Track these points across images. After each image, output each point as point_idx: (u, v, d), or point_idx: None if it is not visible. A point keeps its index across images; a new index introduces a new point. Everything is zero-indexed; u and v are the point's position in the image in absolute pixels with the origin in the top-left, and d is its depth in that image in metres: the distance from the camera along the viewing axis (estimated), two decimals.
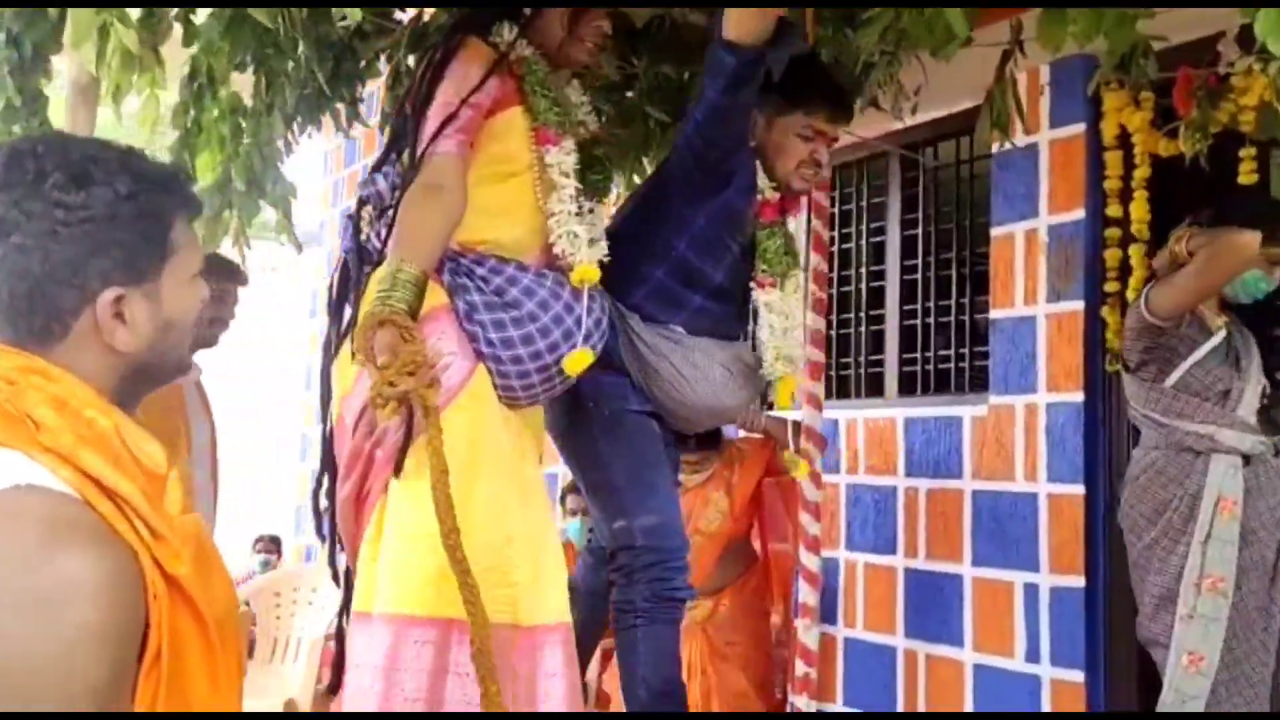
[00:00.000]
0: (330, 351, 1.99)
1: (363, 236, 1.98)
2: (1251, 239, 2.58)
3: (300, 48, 2.49)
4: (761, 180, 2.27)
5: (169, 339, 1.15)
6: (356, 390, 1.81)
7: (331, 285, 2.07)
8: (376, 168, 2.05)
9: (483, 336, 1.88)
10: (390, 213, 1.93)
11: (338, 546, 1.99)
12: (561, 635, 1.86)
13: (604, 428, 2.17)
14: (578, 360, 1.91)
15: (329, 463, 1.94)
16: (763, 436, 3.39)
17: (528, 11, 2.01)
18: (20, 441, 0.98)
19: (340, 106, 2.76)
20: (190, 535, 1.07)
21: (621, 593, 2.15)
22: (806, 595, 3.22)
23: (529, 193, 1.98)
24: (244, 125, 2.64)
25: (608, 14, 2.11)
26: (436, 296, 1.87)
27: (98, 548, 0.95)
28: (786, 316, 2.31)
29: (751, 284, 2.29)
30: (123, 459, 1.03)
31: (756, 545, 3.45)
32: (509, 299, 1.90)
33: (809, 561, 3.22)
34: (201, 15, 2.29)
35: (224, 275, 2.95)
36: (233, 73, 2.56)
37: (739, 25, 1.88)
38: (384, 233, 1.94)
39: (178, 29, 2.32)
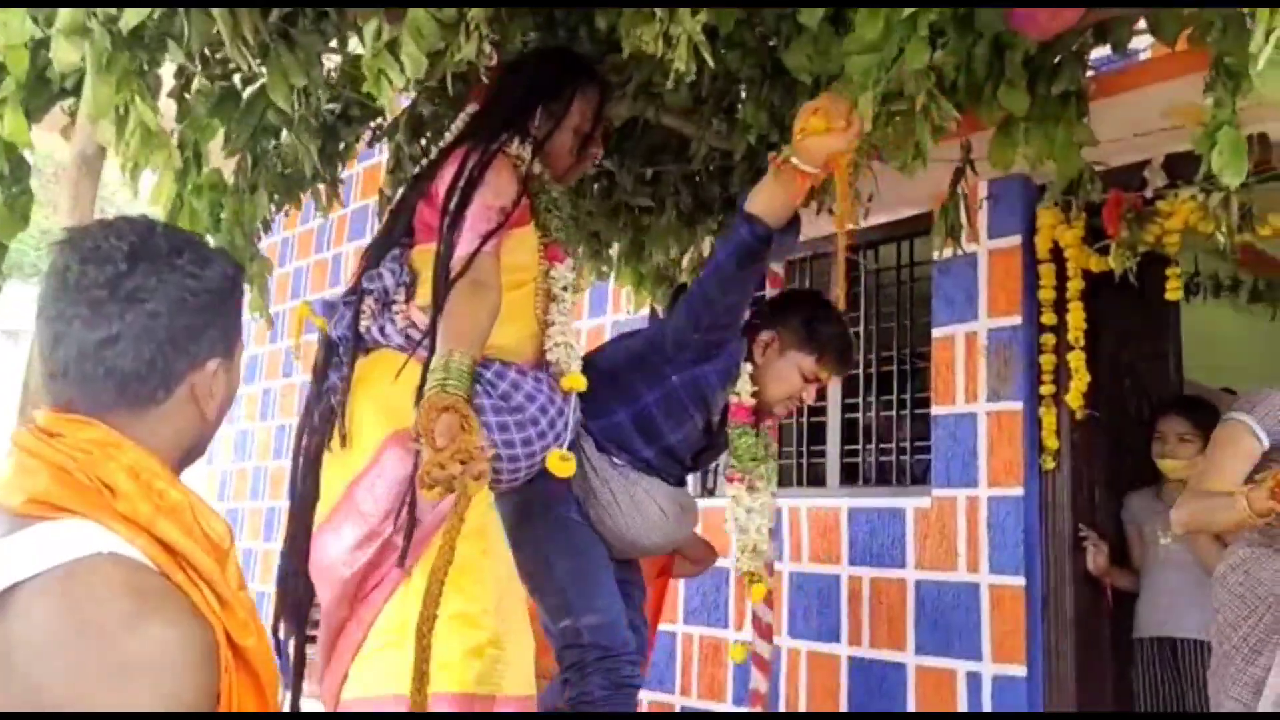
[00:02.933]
0: (310, 434, 2.02)
1: (362, 326, 2.02)
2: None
3: (291, 126, 2.53)
4: (744, 384, 2.39)
5: (225, 414, 1.20)
6: (378, 473, 1.83)
7: (315, 368, 2.09)
8: (374, 260, 2.09)
9: (486, 437, 1.92)
10: (395, 306, 2.00)
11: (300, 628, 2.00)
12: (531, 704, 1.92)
13: (549, 530, 2.25)
14: (564, 466, 1.99)
15: (300, 533, 1.96)
16: None
17: (536, 126, 2.15)
18: (96, 510, 1.00)
19: (321, 187, 2.79)
20: (251, 609, 1.09)
21: (576, 689, 2.18)
22: (758, 682, 3.25)
23: (531, 301, 2.10)
24: (224, 202, 2.65)
25: (601, 144, 2.32)
26: None
27: (181, 619, 0.97)
28: (750, 512, 2.41)
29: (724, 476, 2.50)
30: (194, 531, 1.06)
31: None
32: (514, 404, 1.97)
33: (762, 649, 3.26)
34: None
35: None
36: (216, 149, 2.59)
37: (764, 204, 2.08)
38: (386, 326, 1.99)
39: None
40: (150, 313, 1.06)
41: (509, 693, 1.83)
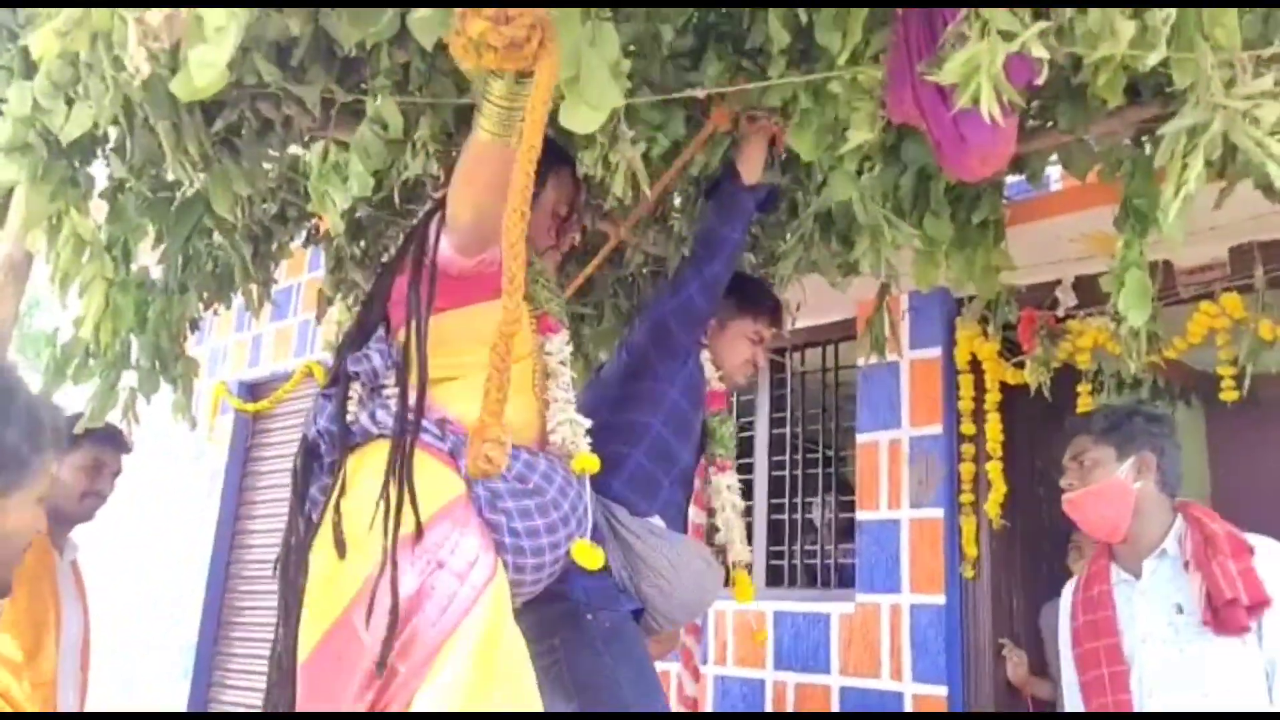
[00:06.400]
0: (295, 543, 1.77)
1: (350, 416, 1.80)
2: None
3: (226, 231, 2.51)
4: (710, 371, 2.43)
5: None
6: (382, 589, 1.58)
7: (295, 470, 1.85)
8: (356, 344, 1.88)
9: (506, 526, 1.73)
10: (386, 390, 1.80)
11: None
12: None
13: (607, 640, 2.03)
14: (593, 557, 1.81)
15: (289, 653, 1.67)
16: None
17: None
18: None
19: (253, 287, 2.75)
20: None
21: None
22: None
23: (529, 378, 1.92)
24: (151, 301, 2.60)
25: (578, 229, 2.22)
26: (453, 486, 1.71)
27: None
28: (734, 507, 2.40)
29: (711, 468, 2.40)
30: None
31: None
32: (532, 485, 1.78)
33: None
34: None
35: (104, 443, 2.82)
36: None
37: (755, 170, 2.16)
38: (378, 412, 1.76)
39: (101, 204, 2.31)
40: None
41: None
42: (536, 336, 1.95)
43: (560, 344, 1.96)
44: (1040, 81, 1.51)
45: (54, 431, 1.23)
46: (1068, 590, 2.45)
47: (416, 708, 1.52)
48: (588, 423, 1.91)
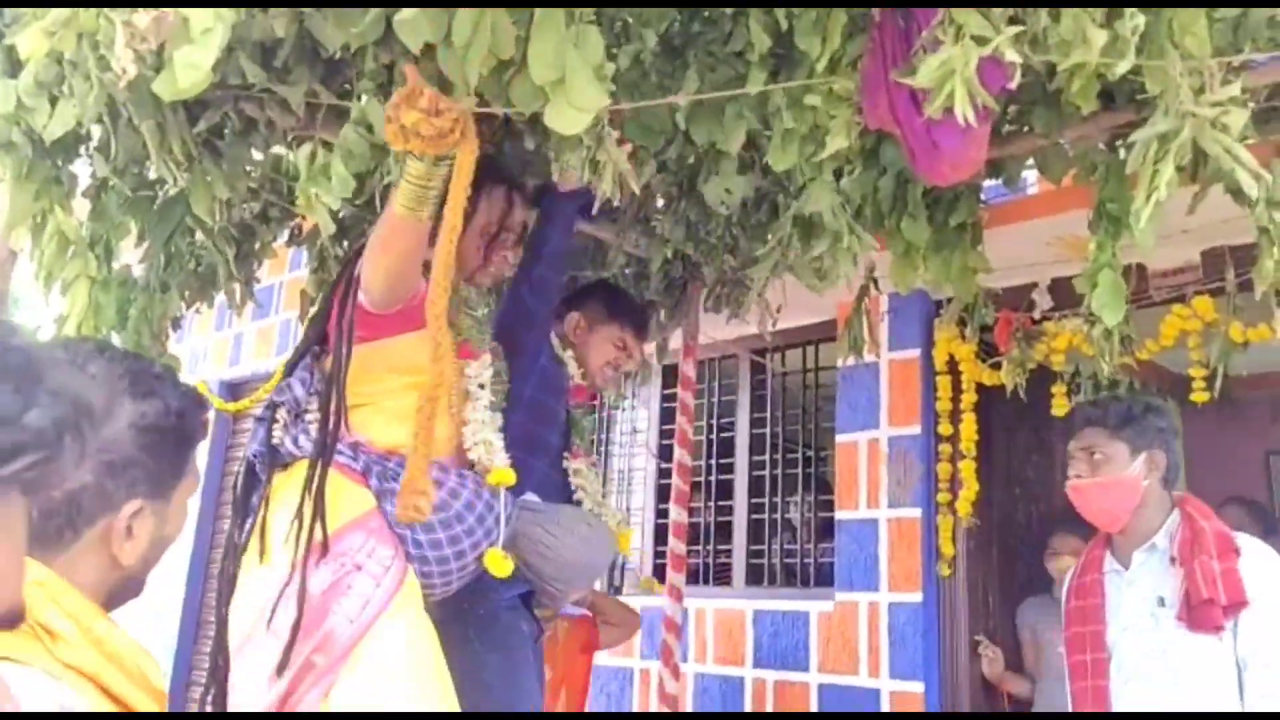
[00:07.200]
0: (234, 554, 1.94)
1: (275, 440, 1.99)
2: None
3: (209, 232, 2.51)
4: (572, 368, 2.61)
5: (155, 558, 1.15)
6: (293, 590, 1.77)
7: (235, 486, 2.04)
8: (289, 371, 2.07)
9: (411, 539, 1.90)
10: (308, 416, 1.97)
11: None
12: None
13: (479, 628, 2.22)
14: (503, 565, 1.95)
15: (221, 652, 1.88)
16: (586, 611, 3.42)
17: None
18: (36, 657, 0.94)
19: (236, 286, 2.76)
20: None
21: None
22: None
23: (444, 401, 2.01)
24: (133, 299, 2.59)
25: (515, 248, 2.29)
26: (365, 501, 1.89)
27: None
28: (592, 484, 2.60)
29: (566, 454, 2.57)
30: (135, 678, 1.01)
31: None
32: (436, 502, 1.90)
33: None
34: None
35: None
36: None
37: (572, 177, 2.24)
38: (300, 438, 1.96)
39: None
40: None
41: None
42: (455, 362, 2.06)
43: (479, 369, 2.11)
44: (1014, 86, 1.54)
45: (202, 425, 1.17)
46: (1070, 573, 2.51)
47: (334, 699, 1.71)
48: (499, 441, 2.08)
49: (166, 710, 1.05)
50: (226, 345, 6.39)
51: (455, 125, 1.58)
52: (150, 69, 1.46)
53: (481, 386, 2.10)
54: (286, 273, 6.04)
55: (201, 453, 4.13)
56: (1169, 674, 2.18)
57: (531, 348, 2.43)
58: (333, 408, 1.93)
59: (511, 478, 2.06)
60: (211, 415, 1.21)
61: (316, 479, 1.85)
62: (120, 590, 1.11)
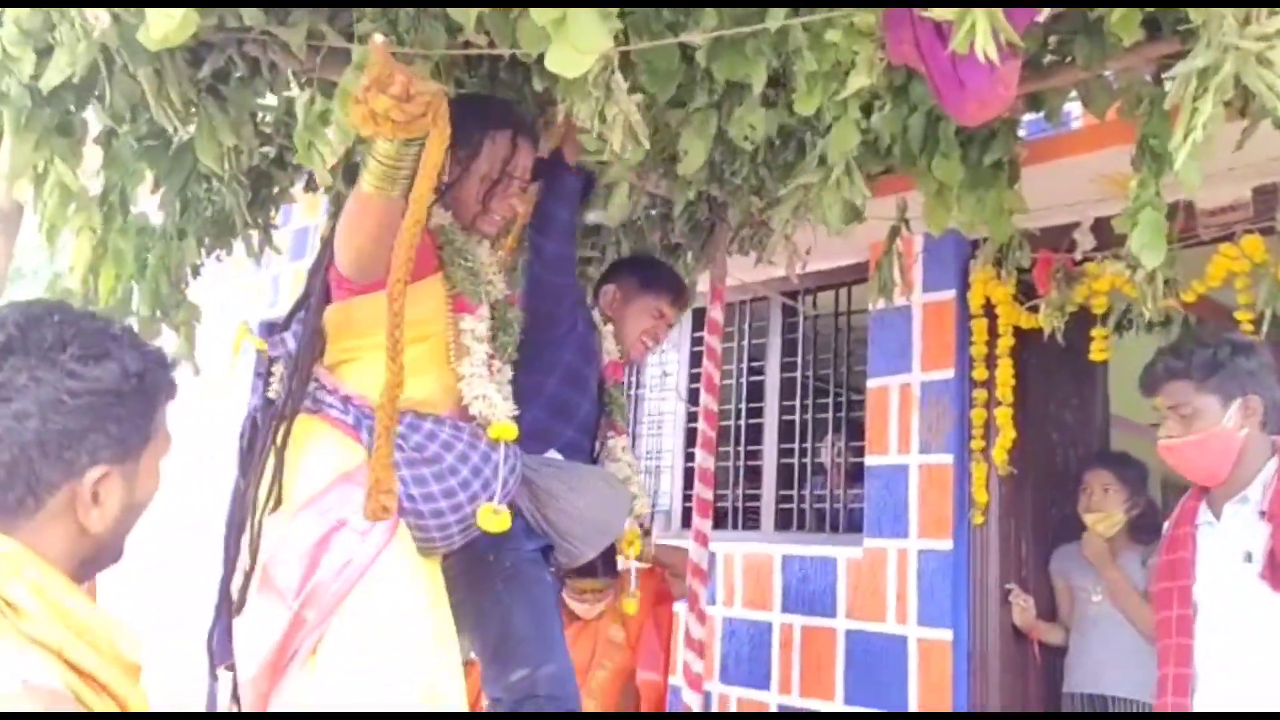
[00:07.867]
0: (243, 503, 1.94)
1: (272, 394, 1.98)
2: None
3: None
4: (610, 344, 2.61)
5: (129, 523, 1.12)
6: (288, 542, 1.79)
7: (241, 437, 2.03)
8: (286, 325, 2.06)
9: (404, 492, 1.88)
10: (302, 370, 1.96)
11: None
12: None
13: (506, 579, 2.21)
14: (496, 520, 1.93)
15: (225, 599, 1.91)
16: (651, 564, 3.44)
17: (444, 179, 2.06)
18: (1, 632, 0.92)
19: (253, 233, 2.73)
20: None
21: None
22: None
23: (442, 353, 2.02)
24: (151, 246, 2.58)
25: (520, 194, 2.20)
26: (357, 454, 1.87)
27: None
28: (633, 462, 2.61)
29: (610, 431, 2.58)
30: (104, 651, 1.00)
31: None
32: (429, 454, 1.91)
33: (690, 699, 3.25)
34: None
35: None
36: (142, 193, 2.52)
37: (575, 151, 2.26)
38: (294, 387, 1.94)
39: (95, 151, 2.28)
40: (16, 414, 0.98)
41: None
42: (451, 315, 2.04)
43: (475, 322, 2.04)
44: (1042, 19, 1.44)
45: (168, 384, 1.13)
46: (1167, 524, 2.41)
47: (321, 653, 1.74)
48: (499, 394, 2.04)
49: (138, 685, 1.03)
50: (265, 286, 6.41)
51: (427, 109, 1.51)
52: (135, 18, 1.41)
53: (478, 340, 2.04)
54: (322, 214, 6.01)
55: (227, 398, 4.11)
56: (1254, 630, 2.09)
57: (566, 318, 2.42)
58: (298, 363, 1.94)
59: (513, 432, 2.02)
60: (177, 374, 1.17)
61: (282, 434, 1.87)
62: (93, 558, 1.08)
